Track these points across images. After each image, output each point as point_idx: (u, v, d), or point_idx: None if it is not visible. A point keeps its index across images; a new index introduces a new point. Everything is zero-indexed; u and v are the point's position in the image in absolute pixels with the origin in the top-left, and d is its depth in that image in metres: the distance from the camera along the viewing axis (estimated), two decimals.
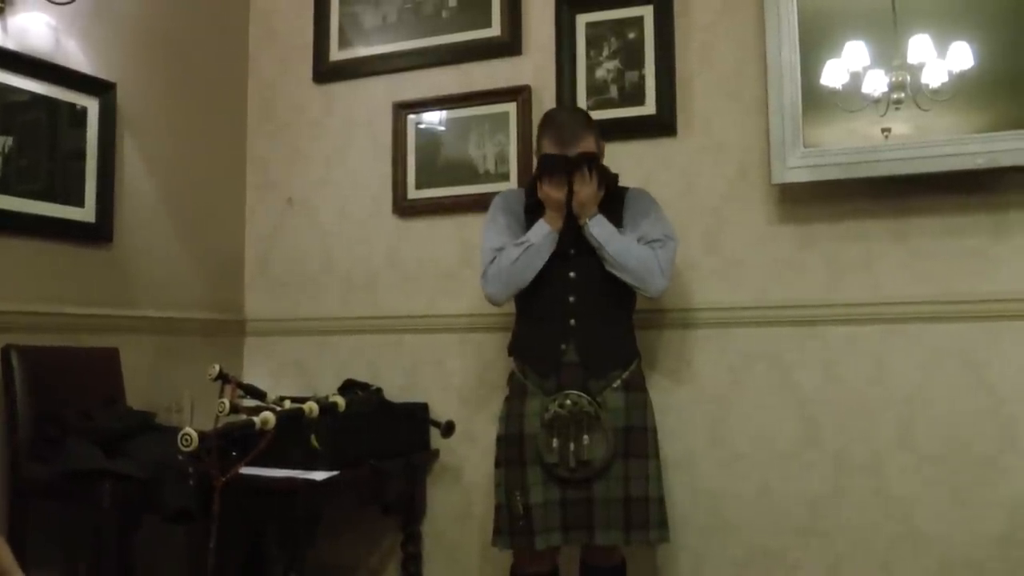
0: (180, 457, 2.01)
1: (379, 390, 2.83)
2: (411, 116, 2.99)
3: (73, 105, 2.61)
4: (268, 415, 1.89)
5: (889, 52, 2.35)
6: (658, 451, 2.26)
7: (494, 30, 2.89)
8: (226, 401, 1.93)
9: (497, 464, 2.26)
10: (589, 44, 2.75)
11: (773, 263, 2.53)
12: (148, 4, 2.89)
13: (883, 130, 2.37)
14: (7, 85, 2.43)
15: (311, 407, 2.10)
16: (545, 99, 2.78)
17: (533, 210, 2.27)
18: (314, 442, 2.20)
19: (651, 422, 2.25)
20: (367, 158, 3.07)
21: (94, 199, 2.65)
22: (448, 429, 2.61)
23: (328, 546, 2.80)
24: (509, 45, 2.87)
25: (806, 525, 2.45)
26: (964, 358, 2.32)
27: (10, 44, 2.44)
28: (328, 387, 2.79)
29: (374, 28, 3.08)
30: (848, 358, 2.43)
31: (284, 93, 3.23)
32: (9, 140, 2.44)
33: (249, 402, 2.18)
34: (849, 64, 2.38)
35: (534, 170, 2.28)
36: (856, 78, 2.38)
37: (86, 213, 2.64)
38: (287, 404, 2.12)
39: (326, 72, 3.15)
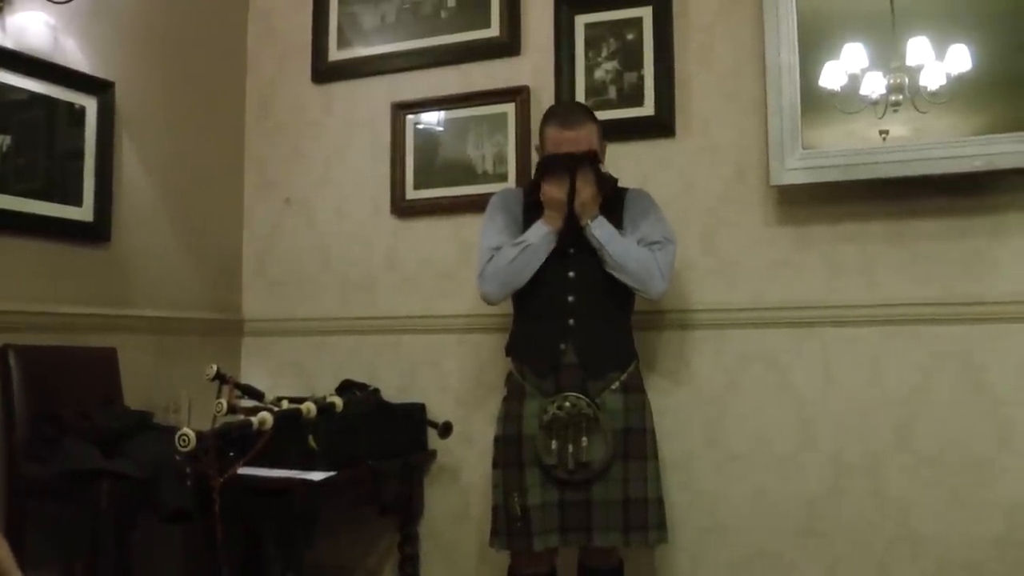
0: (178, 457, 2.00)
1: (377, 390, 2.82)
2: (410, 116, 2.99)
3: (71, 104, 2.61)
4: (266, 415, 1.89)
5: (887, 54, 2.35)
6: (657, 452, 2.26)
7: (493, 30, 2.89)
8: (224, 401, 1.93)
9: (495, 465, 2.26)
10: (588, 45, 2.75)
11: (771, 264, 2.53)
12: (147, 3, 2.88)
13: (881, 132, 2.37)
14: (5, 84, 2.42)
15: (309, 407, 2.10)
16: (544, 100, 2.77)
17: (532, 209, 2.28)
18: (312, 442, 2.20)
19: (650, 424, 2.25)
20: (365, 158, 3.07)
21: (92, 198, 2.65)
22: (446, 430, 2.61)
23: (325, 546, 2.80)
24: (508, 46, 2.87)
25: (803, 526, 2.45)
26: (962, 360, 2.33)
27: (8, 43, 2.43)
28: (326, 387, 2.79)
29: (373, 28, 3.08)
30: (846, 359, 2.44)
31: (283, 93, 3.23)
32: (7, 139, 2.43)
33: (247, 402, 2.18)
34: (847, 66, 2.38)
35: (535, 170, 2.28)
36: (854, 80, 2.38)
37: (84, 212, 2.63)
38: (285, 404, 2.11)
39: (325, 72, 3.15)
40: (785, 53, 2.42)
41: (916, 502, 2.34)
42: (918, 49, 2.31)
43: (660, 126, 2.65)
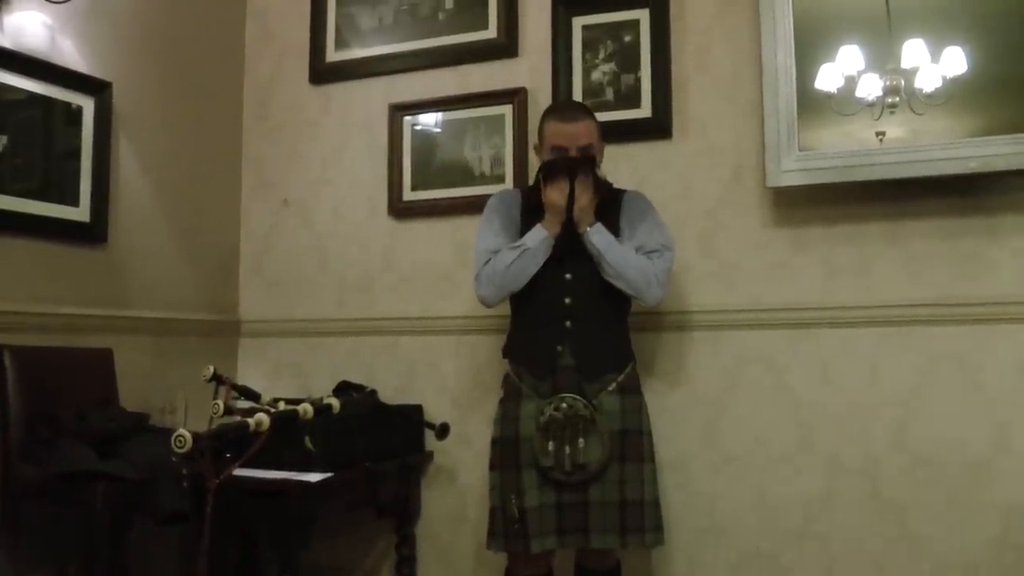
0: (174, 459, 2.00)
1: (374, 392, 2.82)
2: (407, 117, 2.99)
3: (68, 104, 2.61)
4: (262, 416, 1.88)
5: (883, 56, 2.36)
6: (654, 454, 2.25)
7: (490, 32, 2.90)
8: (220, 402, 1.92)
9: (492, 467, 2.25)
10: (585, 47, 2.75)
11: (768, 266, 2.53)
12: (144, 3, 2.88)
13: (877, 134, 2.37)
14: (2, 84, 2.42)
15: (305, 409, 2.09)
16: (541, 101, 2.77)
17: (530, 211, 2.27)
18: (308, 444, 2.20)
19: (647, 425, 2.25)
20: (363, 159, 3.07)
21: (89, 199, 2.64)
22: (443, 431, 2.60)
23: (322, 548, 2.78)
24: (505, 47, 2.87)
25: (800, 528, 2.45)
26: (958, 361, 2.33)
27: (6, 43, 2.43)
28: (323, 389, 2.79)
29: (370, 29, 3.08)
30: (842, 361, 2.44)
31: (280, 93, 3.23)
32: (4, 139, 2.43)
33: (243, 403, 2.17)
34: (844, 68, 2.39)
35: (536, 172, 2.28)
36: (851, 82, 2.38)
37: (81, 213, 2.63)
38: (281, 406, 2.11)
39: (322, 73, 3.15)
40: (782, 55, 2.43)
41: (913, 503, 2.35)
42: (914, 51, 2.32)
43: (657, 128, 2.65)
